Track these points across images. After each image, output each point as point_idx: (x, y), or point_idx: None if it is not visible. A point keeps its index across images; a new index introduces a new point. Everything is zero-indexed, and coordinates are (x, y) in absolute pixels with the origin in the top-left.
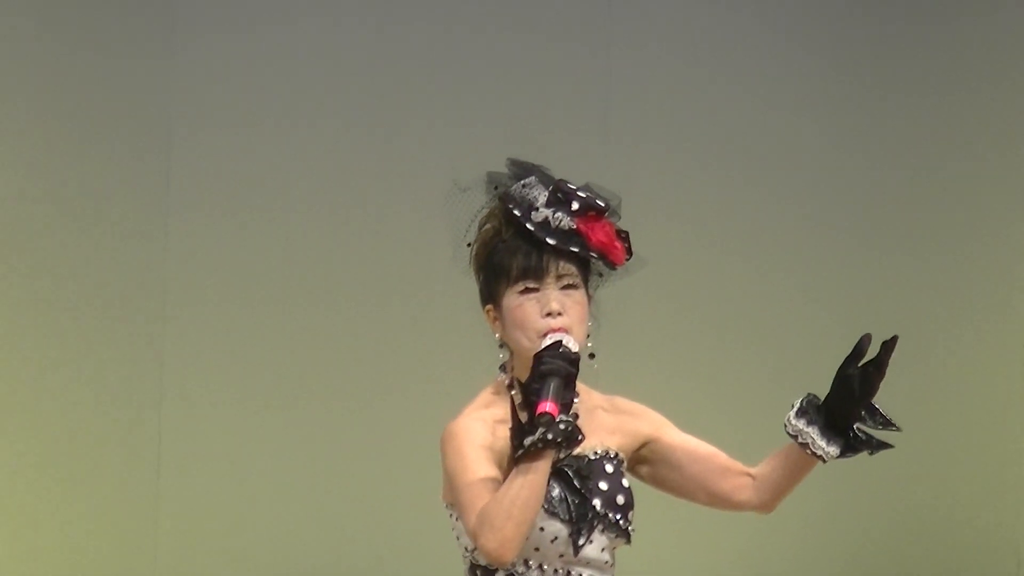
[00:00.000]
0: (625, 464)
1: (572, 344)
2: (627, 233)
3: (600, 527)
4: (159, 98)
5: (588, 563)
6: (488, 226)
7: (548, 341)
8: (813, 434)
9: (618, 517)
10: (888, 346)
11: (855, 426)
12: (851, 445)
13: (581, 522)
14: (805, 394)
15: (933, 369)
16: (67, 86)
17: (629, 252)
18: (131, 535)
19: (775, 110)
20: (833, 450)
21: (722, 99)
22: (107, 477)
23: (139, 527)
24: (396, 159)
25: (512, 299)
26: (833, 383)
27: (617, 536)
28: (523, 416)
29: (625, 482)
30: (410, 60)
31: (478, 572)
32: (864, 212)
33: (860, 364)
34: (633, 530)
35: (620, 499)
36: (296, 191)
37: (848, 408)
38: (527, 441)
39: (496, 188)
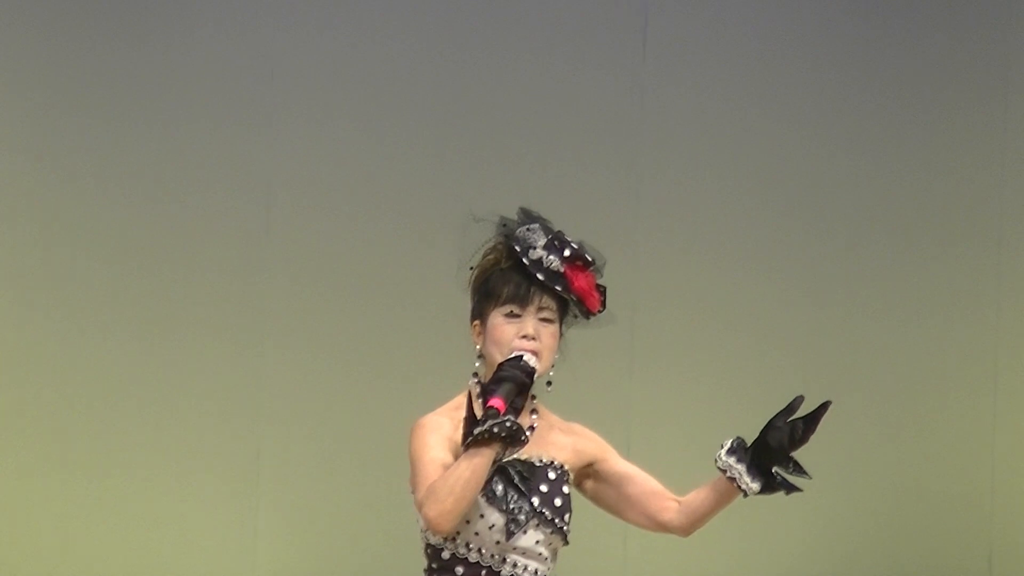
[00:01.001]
0: (570, 477)
1: (532, 361)
2: (605, 288)
3: (535, 522)
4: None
5: (523, 552)
6: (490, 256)
7: (515, 354)
8: (741, 471)
9: (553, 517)
10: (822, 408)
11: (774, 470)
12: (770, 484)
13: (516, 515)
14: (734, 437)
15: (910, 373)
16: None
17: (603, 304)
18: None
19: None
20: (755, 486)
21: (744, 123)
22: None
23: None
24: (439, 187)
25: (496, 319)
26: (762, 431)
27: (553, 533)
28: (478, 411)
29: (565, 489)
30: (467, 98)
31: (429, 551)
32: (873, 220)
33: (789, 419)
34: (568, 531)
35: (557, 501)
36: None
37: (773, 455)
38: (476, 430)
39: (504, 226)
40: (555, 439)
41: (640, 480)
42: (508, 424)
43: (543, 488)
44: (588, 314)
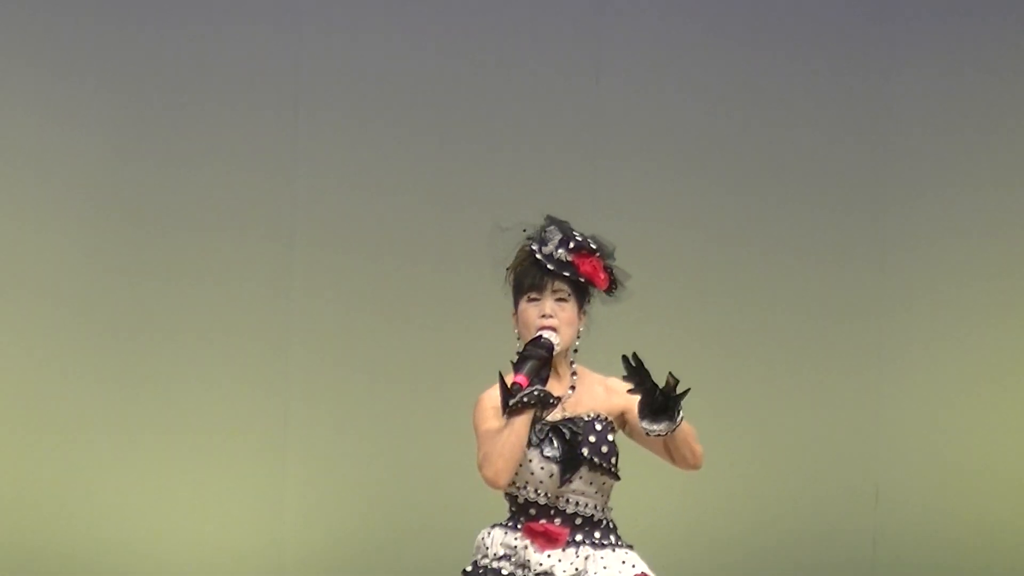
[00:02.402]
0: (614, 426)
1: (553, 337)
2: (611, 268)
3: (586, 468)
4: None
5: (580, 492)
6: (518, 259)
7: (536, 334)
8: (648, 427)
9: (602, 461)
10: (628, 360)
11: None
12: (667, 418)
13: (568, 464)
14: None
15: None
16: None
17: (613, 282)
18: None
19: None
20: (661, 427)
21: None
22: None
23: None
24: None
25: (523, 305)
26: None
27: (602, 474)
28: (509, 383)
29: (610, 437)
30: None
31: (507, 498)
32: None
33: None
34: (616, 471)
35: (604, 448)
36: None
37: (652, 404)
38: (511, 402)
39: (525, 231)
40: (596, 394)
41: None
42: (536, 393)
43: (592, 439)
44: (600, 289)
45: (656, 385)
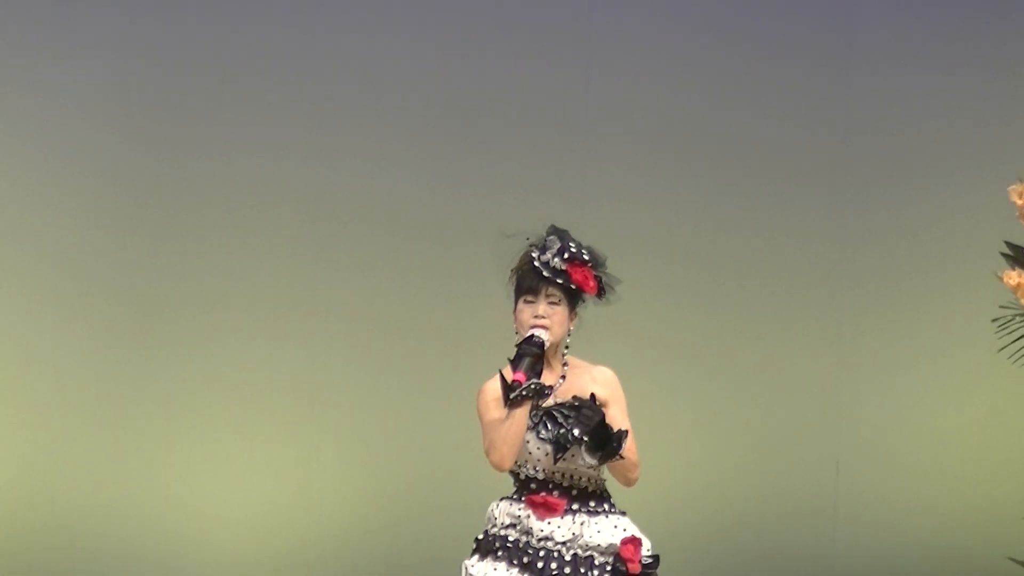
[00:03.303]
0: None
1: (543, 335)
2: (601, 276)
3: (577, 446)
4: None
5: (575, 467)
6: (520, 264)
7: (528, 333)
8: (585, 458)
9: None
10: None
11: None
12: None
13: (560, 443)
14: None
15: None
16: None
17: (602, 289)
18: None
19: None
20: (592, 460)
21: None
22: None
23: None
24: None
25: (520, 306)
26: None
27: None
28: (508, 376)
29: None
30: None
31: (511, 476)
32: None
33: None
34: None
35: None
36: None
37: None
38: (512, 395)
39: (528, 240)
40: (584, 383)
41: None
42: (532, 386)
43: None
44: (591, 294)
45: (602, 424)
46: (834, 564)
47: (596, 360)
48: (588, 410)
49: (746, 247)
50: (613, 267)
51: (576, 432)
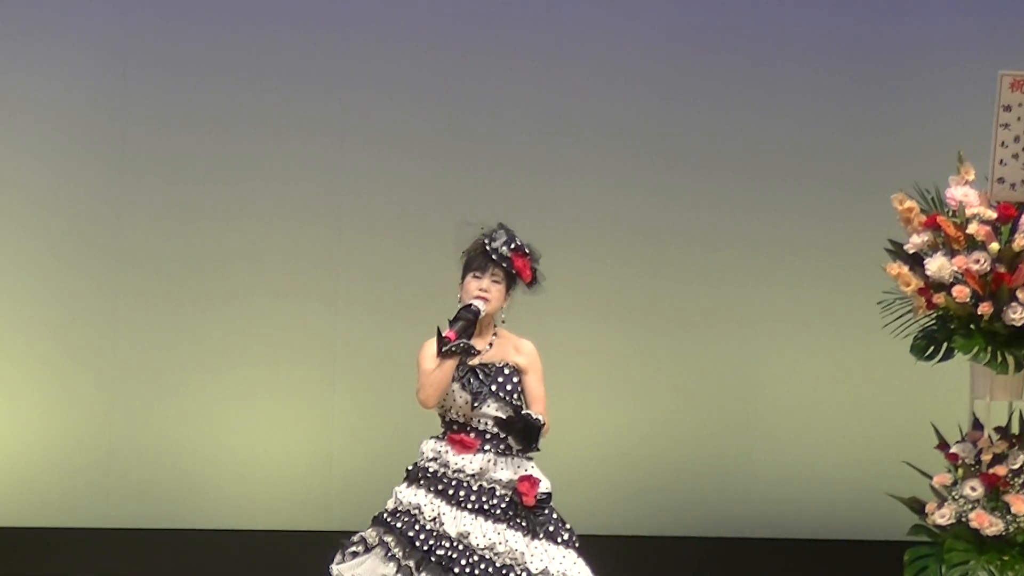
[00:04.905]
0: (517, 371)
1: (481, 305)
2: (536, 268)
3: (492, 398)
4: None
5: (486, 416)
6: (472, 247)
7: (468, 302)
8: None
9: (505, 396)
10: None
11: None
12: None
13: (478, 394)
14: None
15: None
16: None
17: (535, 278)
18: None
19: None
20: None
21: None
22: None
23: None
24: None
25: (468, 279)
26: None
27: (506, 405)
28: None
29: (515, 379)
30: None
31: (439, 417)
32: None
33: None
34: (518, 404)
35: (508, 386)
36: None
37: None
38: (443, 349)
39: (482, 229)
40: (508, 351)
41: (528, 398)
42: (461, 345)
43: (500, 379)
44: (525, 283)
45: (524, 419)
46: (747, 484)
47: (521, 333)
48: (519, 422)
49: (672, 241)
50: (598, 259)
51: (493, 387)
